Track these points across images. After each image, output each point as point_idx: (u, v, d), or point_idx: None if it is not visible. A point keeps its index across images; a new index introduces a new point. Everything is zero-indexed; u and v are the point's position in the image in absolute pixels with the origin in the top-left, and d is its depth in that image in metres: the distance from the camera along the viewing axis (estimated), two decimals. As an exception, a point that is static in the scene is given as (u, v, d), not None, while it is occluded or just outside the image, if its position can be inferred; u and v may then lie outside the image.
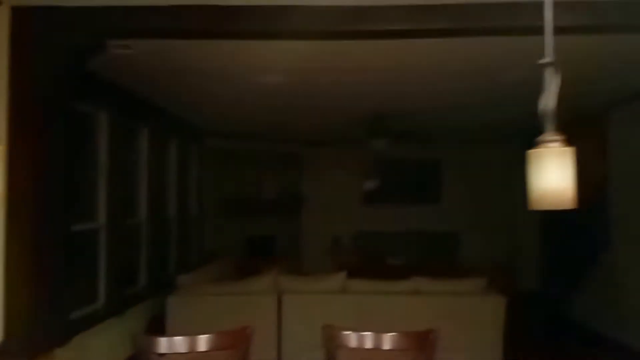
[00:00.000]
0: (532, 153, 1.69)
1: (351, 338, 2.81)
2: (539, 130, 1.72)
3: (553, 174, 1.66)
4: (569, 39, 4.06)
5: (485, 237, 11.24)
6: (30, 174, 3.41)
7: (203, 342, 2.66)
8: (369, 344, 2.79)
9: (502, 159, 10.66)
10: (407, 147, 10.91)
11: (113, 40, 3.92)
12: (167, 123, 7.57)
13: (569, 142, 1.70)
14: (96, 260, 5.77)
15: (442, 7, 3.35)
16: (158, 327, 6.26)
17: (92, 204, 5.72)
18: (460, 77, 5.57)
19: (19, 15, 3.37)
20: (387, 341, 2.78)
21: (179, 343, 2.64)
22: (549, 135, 1.69)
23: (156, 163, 7.11)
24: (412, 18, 3.37)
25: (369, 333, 2.80)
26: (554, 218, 9.23)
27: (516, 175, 11.13)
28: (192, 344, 2.65)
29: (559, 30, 3.40)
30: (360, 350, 2.79)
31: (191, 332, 2.72)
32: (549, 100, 1.72)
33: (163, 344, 2.62)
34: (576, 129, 7.50)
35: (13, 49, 3.37)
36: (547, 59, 1.73)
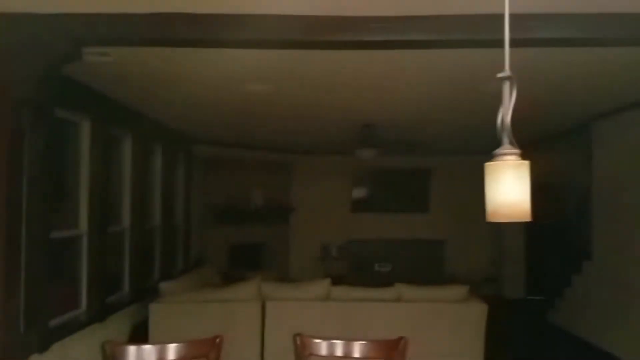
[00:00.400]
0: (489, 166, 1.70)
1: (322, 346, 2.83)
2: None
3: (509, 187, 1.66)
4: (550, 52, 4.12)
5: (473, 245, 11.37)
6: (4, 178, 3.40)
7: (172, 350, 2.67)
8: (339, 351, 2.81)
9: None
10: (397, 157, 11.01)
11: (90, 47, 3.91)
12: (151, 130, 7.56)
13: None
14: (78, 267, 5.75)
15: (420, 18, 3.37)
16: (141, 334, 6.26)
17: (74, 211, 5.71)
18: (445, 87, 5.60)
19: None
20: (357, 349, 2.80)
21: (149, 351, 2.65)
22: (506, 148, 1.71)
23: (140, 170, 7.10)
24: (391, 29, 3.38)
25: (340, 341, 2.82)
26: (539, 227, 9.31)
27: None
28: (162, 353, 2.66)
29: (540, 42, 3.44)
30: (330, 358, 2.80)
31: (174, 338, 2.74)
32: (506, 113, 1.73)
33: (132, 352, 2.63)
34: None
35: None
36: (504, 73, 1.74)
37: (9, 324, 3.44)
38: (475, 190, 8.61)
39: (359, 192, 12.18)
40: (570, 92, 5.80)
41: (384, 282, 9.53)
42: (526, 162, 1.68)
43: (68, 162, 5.70)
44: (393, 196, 12.02)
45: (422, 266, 11.49)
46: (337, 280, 6.51)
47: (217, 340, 2.77)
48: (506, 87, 1.75)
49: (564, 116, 7.21)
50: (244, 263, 10.47)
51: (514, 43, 1.81)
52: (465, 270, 11.00)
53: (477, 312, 6.00)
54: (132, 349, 2.63)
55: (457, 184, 11.57)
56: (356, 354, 2.81)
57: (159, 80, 5.40)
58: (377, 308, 6.10)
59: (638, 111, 6.19)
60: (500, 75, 1.74)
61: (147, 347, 2.65)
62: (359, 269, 11.75)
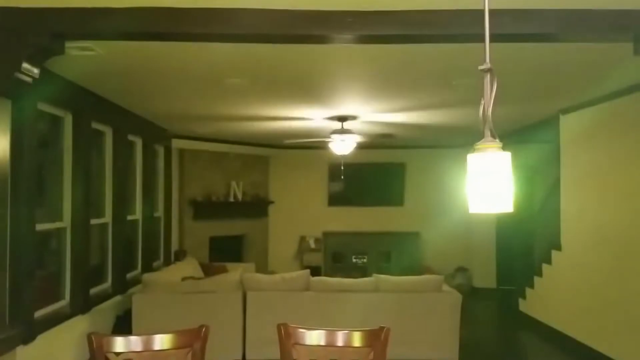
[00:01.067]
0: (471, 157, 1.71)
1: (306, 335, 2.86)
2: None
3: (491, 178, 1.68)
4: (519, 47, 4.18)
5: (446, 237, 11.43)
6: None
7: (158, 341, 2.70)
8: (323, 341, 2.85)
9: (461, 162, 10.74)
10: (372, 151, 11.20)
11: (72, 41, 3.89)
12: (131, 124, 7.57)
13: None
14: (61, 259, 5.79)
15: (395, 13, 3.40)
16: (124, 325, 6.30)
17: (57, 204, 5.72)
18: (420, 80, 5.65)
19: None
20: (341, 338, 2.83)
21: (135, 342, 2.68)
22: (488, 140, 1.71)
23: (121, 164, 7.12)
24: (365, 24, 3.41)
25: (324, 330, 2.85)
26: (510, 218, 9.45)
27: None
28: (148, 343, 2.69)
29: (508, 37, 3.49)
30: (314, 347, 2.84)
31: (157, 329, 2.75)
32: (487, 105, 1.73)
33: (119, 343, 2.65)
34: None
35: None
36: (485, 66, 1.73)
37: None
38: (447, 183, 8.73)
39: (335, 186, 12.20)
40: (539, 86, 5.91)
41: (361, 273, 9.66)
42: (508, 153, 1.69)
43: (51, 155, 5.71)
44: (369, 190, 12.15)
45: (397, 258, 11.68)
46: (314, 272, 6.61)
47: (203, 330, 2.80)
48: (487, 79, 1.74)
49: (533, 109, 7.34)
50: (223, 255, 10.53)
51: (492, 39, 1.80)
52: (439, 261, 11.19)
53: (452, 301, 6.16)
54: (118, 340, 2.65)
55: (430, 177, 11.82)
56: (339, 343, 2.84)
57: (139, 74, 5.41)
58: (356, 298, 6.20)
59: (603, 105, 6.33)
60: (481, 67, 1.73)
61: (134, 338, 2.67)
62: (336, 260, 11.87)
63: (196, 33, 3.56)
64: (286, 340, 2.87)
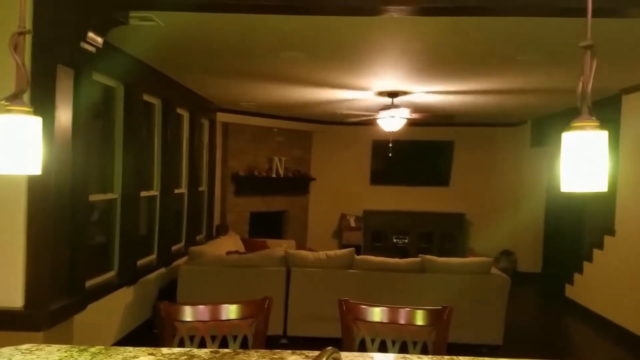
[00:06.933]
0: (566, 135, 1.67)
1: (367, 311, 2.85)
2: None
3: (587, 157, 1.64)
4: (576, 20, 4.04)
5: (492, 219, 11.23)
6: (51, 141, 3.41)
7: (224, 310, 2.71)
8: (385, 318, 2.83)
9: (514, 142, 10.76)
10: (419, 128, 10.84)
11: (134, 11, 3.90)
12: (179, 96, 7.58)
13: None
14: (111, 231, 5.86)
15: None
16: (168, 298, 6.37)
17: (108, 175, 5.79)
18: (474, 57, 5.55)
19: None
20: (403, 316, 2.81)
21: (202, 311, 2.69)
22: (585, 118, 1.67)
23: (169, 137, 7.16)
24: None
25: (386, 307, 2.83)
26: (558, 201, 9.33)
27: (525, 159, 10.86)
28: (214, 313, 2.70)
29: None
30: (376, 323, 2.82)
31: (201, 301, 2.77)
32: (586, 83, 1.68)
33: (187, 312, 2.67)
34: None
35: (35, 21, 3.35)
36: (586, 42, 1.68)
37: (52, 286, 3.50)
38: (497, 163, 8.47)
39: (377, 164, 11.95)
40: (600, 64, 5.70)
41: (402, 253, 9.60)
42: (605, 132, 1.65)
43: (103, 126, 5.76)
44: (412, 169, 11.87)
45: (440, 239, 11.57)
46: (355, 251, 6.57)
47: (267, 302, 2.80)
48: (587, 56, 1.69)
49: (594, 88, 7.05)
50: (263, 231, 10.59)
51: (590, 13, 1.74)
52: (483, 244, 10.97)
53: (500, 284, 6.09)
54: (187, 309, 2.67)
55: (480, 156, 11.56)
56: (401, 321, 2.82)
57: (196, 47, 5.42)
58: (400, 278, 6.15)
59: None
60: (582, 44, 1.68)
61: (201, 308, 2.69)
62: (376, 240, 11.82)
63: (259, 4, 3.51)
64: (347, 315, 2.87)
